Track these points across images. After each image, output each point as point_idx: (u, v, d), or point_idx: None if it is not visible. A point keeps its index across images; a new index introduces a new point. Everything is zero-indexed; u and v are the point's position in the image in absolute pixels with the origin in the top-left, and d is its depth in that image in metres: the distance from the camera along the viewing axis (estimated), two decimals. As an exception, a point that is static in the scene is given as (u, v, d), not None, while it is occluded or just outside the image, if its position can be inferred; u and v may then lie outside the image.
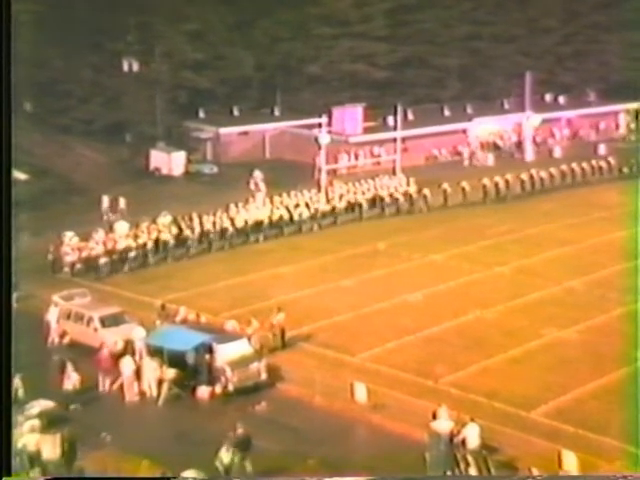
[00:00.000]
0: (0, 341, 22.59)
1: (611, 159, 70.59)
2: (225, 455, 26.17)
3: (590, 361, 34.94)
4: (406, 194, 59.88)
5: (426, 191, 59.66)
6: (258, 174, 62.33)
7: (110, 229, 49.31)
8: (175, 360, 32.68)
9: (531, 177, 64.57)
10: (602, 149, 77.14)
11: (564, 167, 66.95)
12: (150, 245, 48.16)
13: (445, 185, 60.49)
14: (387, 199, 59.01)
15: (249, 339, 34.58)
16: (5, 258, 22.58)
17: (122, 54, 72.11)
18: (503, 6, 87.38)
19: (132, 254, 47.13)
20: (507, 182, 62.81)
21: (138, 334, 35.08)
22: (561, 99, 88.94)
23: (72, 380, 31.89)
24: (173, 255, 48.53)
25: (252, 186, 60.81)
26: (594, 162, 69.30)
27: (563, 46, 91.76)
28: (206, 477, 24.95)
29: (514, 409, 31.00)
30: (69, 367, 32.12)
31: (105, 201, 55.32)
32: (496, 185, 62.22)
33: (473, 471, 27.33)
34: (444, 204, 59.61)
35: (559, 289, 43.35)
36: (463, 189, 60.57)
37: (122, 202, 55.17)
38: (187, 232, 49.80)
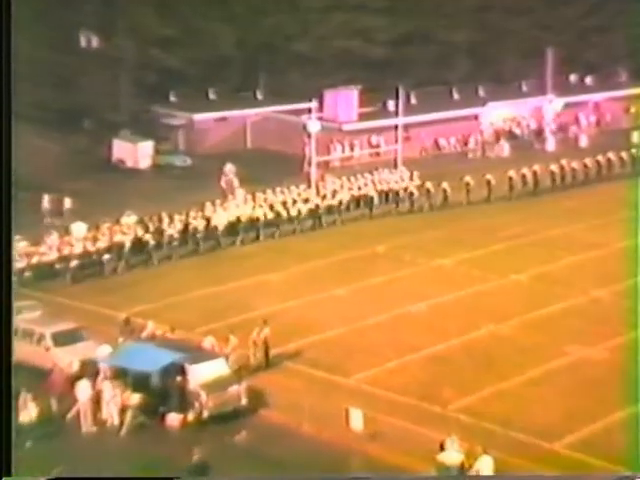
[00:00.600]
0: (0, 342, 22.54)
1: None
2: None
3: (620, 383, 34.89)
4: (408, 190, 60.03)
5: (430, 186, 59.87)
6: (231, 168, 62.07)
7: (65, 232, 49.00)
8: (141, 383, 32.54)
9: (552, 171, 64.72)
10: (636, 137, 77.23)
11: (590, 159, 67.08)
12: (112, 249, 48.10)
13: (454, 180, 60.67)
14: (387, 195, 59.01)
15: (227, 358, 34.51)
16: (5, 258, 22.28)
17: (79, 27, 72.04)
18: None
19: (90, 260, 47.15)
20: (524, 176, 62.96)
21: (97, 353, 35.00)
22: (588, 80, 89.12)
23: (29, 412, 31.72)
24: (139, 261, 48.47)
25: (224, 183, 60.57)
26: (625, 153, 69.53)
27: (588, 18, 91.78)
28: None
29: (533, 439, 30.96)
30: (25, 397, 31.89)
31: (46, 201, 54.42)
32: (510, 180, 62.30)
33: (486, 512, 27.40)
34: (451, 202, 59.68)
35: (584, 300, 43.46)
36: (467, 184, 60.69)
37: (67, 202, 54.46)
38: (155, 234, 49.75)
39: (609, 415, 32.56)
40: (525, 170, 63.47)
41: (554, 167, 64.90)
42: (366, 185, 59.55)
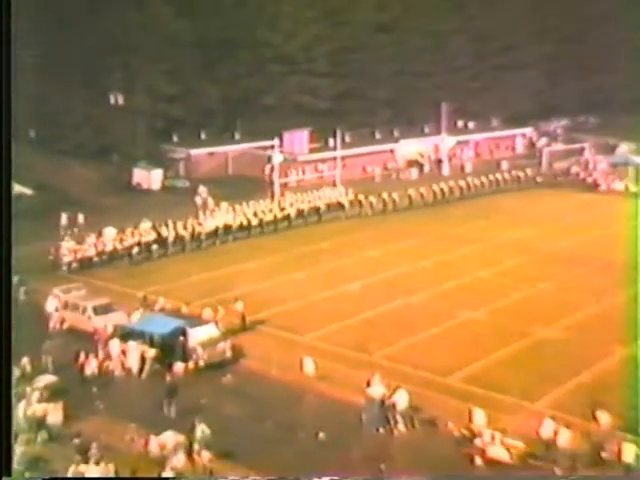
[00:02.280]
0: (0, 342, 21.59)
1: (510, 173, 71.33)
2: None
3: (496, 335, 35.31)
4: (344, 202, 60.11)
5: (362, 199, 59.98)
6: (203, 189, 61.89)
7: (99, 234, 48.74)
8: (155, 342, 32.59)
9: (448, 188, 64.98)
10: (504, 165, 77.83)
11: (472, 180, 67.44)
12: (134, 247, 47.89)
13: (378, 196, 60.77)
14: (330, 207, 59.10)
15: (216, 323, 34.56)
16: (5, 258, 22.13)
17: (109, 89, 71.83)
18: (423, 48, 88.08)
19: (119, 254, 47.06)
20: (428, 192, 63.18)
21: (125, 320, 35.03)
22: (470, 125, 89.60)
23: (91, 366, 31.68)
24: (153, 255, 48.22)
25: (198, 200, 59.93)
26: (497, 175, 70.00)
27: (472, 82, 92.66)
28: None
29: (434, 376, 31.31)
30: (85, 355, 31.84)
31: (64, 218, 53.08)
32: (420, 195, 62.55)
33: (401, 427, 27.57)
34: (377, 211, 59.73)
35: (471, 278, 43.64)
36: (393, 199, 60.81)
37: (80, 218, 53.55)
38: (164, 236, 49.51)
39: (487, 357, 32.95)
40: (431, 187, 63.73)
41: (448, 186, 65.15)
42: (314, 199, 59.49)
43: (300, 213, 57.02)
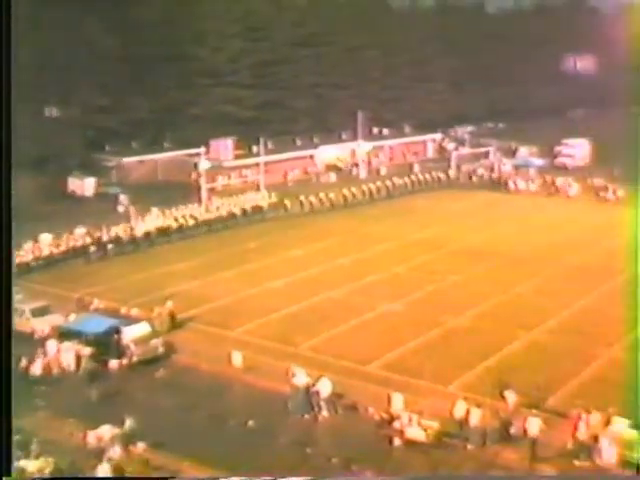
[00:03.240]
0: (0, 344, 20.94)
1: (422, 175, 71.97)
2: None
3: (411, 326, 35.56)
4: (269, 205, 59.94)
5: (285, 201, 59.87)
6: (123, 198, 61.01)
7: (35, 240, 47.68)
8: (91, 340, 32.02)
9: (365, 190, 65.11)
10: (416, 168, 78.48)
11: (387, 182, 67.81)
12: (69, 251, 47.10)
13: (298, 198, 60.77)
14: (254, 209, 58.82)
15: (149, 321, 34.14)
16: (5, 258, 21.47)
17: (44, 103, 70.52)
18: (339, 61, 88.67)
19: (55, 259, 46.17)
20: (346, 194, 63.36)
21: (62, 321, 34.37)
22: (385, 131, 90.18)
23: (35, 367, 31.02)
24: (88, 258, 47.34)
25: (120, 208, 59.02)
26: (410, 178, 70.48)
27: (386, 92, 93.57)
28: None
29: (355, 365, 31.40)
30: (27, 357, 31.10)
31: None
32: (339, 197, 62.50)
33: (325, 413, 27.58)
34: (299, 212, 59.64)
35: (387, 273, 43.79)
36: (313, 201, 60.83)
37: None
38: (99, 240, 48.70)
39: (403, 346, 33.15)
40: (345, 191, 63.89)
41: (365, 188, 65.44)
42: (240, 203, 59.10)
43: (227, 216, 56.55)
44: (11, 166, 21.32)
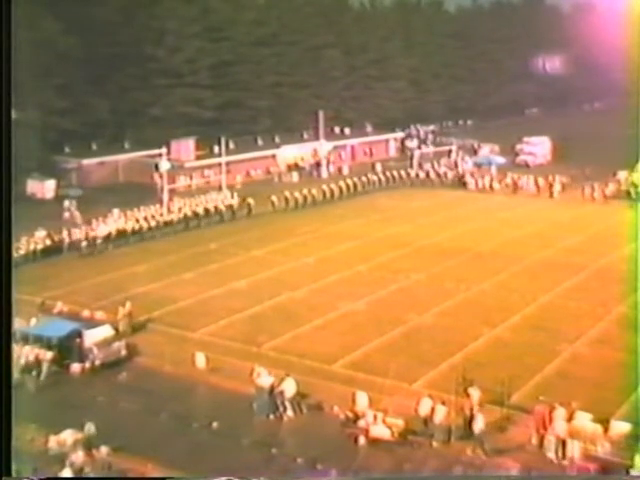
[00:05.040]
0: (0, 344, 20.79)
1: (384, 174, 72.20)
2: None
3: (375, 324, 35.65)
4: (230, 205, 59.74)
5: (247, 201, 59.64)
6: (67, 204, 59.68)
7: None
8: (53, 344, 31.67)
9: (327, 189, 65.16)
10: (378, 167, 78.68)
11: (350, 181, 67.93)
12: (29, 254, 46.61)
13: (261, 198, 60.59)
14: (216, 210, 58.60)
15: (111, 324, 33.87)
16: (5, 258, 21.06)
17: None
18: (300, 60, 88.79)
19: (15, 262, 45.47)
20: (307, 194, 63.34)
21: (23, 325, 33.94)
22: (346, 131, 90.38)
23: None
24: (48, 262, 46.86)
25: (67, 214, 57.60)
26: (372, 176, 70.71)
27: (347, 91, 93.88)
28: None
29: (319, 364, 31.37)
30: None
31: None
32: (302, 197, 62.55)
33: (290, 413, 27.54)
34: (261, 212, 59.42)
35: (350, 272, 43.85)
36: (275, 201, 60.69)
37: None
38: (60, 242, 48.29)
39: (366, 345, 33.24)
40: (311, 189, 63.81)
41: (327, 187, 65.44)
42: (201, 203, 58.87)
43: (188, 216, 56.28)
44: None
